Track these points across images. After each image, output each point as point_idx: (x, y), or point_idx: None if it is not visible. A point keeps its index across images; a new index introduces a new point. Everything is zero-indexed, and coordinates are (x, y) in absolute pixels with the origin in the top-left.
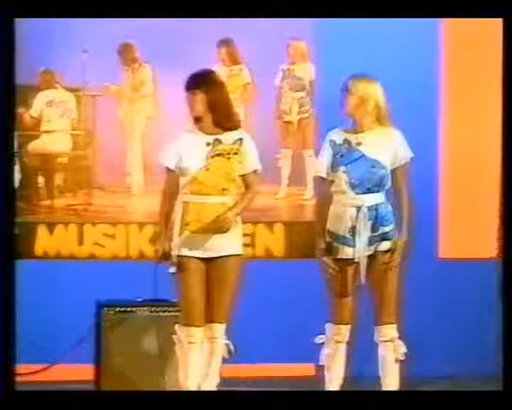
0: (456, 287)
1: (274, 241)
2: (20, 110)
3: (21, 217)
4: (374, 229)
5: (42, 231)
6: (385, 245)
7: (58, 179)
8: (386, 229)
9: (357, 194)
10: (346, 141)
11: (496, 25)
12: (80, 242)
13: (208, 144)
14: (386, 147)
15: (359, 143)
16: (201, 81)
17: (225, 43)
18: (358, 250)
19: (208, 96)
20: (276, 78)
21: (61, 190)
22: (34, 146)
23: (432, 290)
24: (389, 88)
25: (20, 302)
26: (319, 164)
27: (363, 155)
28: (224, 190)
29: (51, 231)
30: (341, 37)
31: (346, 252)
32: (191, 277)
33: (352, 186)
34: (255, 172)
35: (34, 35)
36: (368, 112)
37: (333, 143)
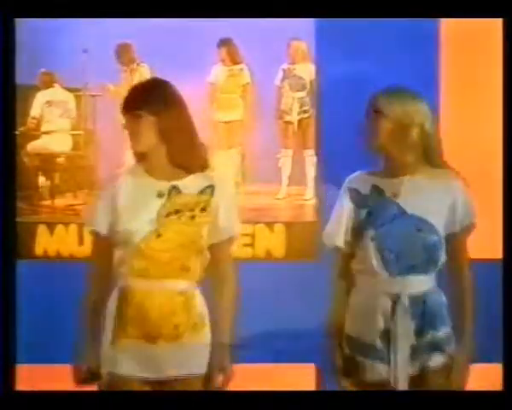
0: None
1: (274, 241)
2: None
3: (21, 217)
4: (419, 333)
5: (42, 231)
6: (437, 360)
7: (58, 179)
8: (440, 334)
9: (394, 275)
10: (376, 190)
11: (496, 25)
12: (80, 242)
13: (160, 195)
14: (440, 200)
15: (396, 194)
16: (149, 98)
17: (225, 43)
18: (395, 369)
19: (160, 119)
20: (277, 78)
21: (61, 190)
22: (34, 146)
23: None
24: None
25: (20, 302)
26: (333, 226)
27: (404, 213)
28: (183, 269)
29: (51, 231)
30: (341, 37)
31: (377, 371)
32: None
33: (386, 262)
34: (231, 240)
35: (34, 35)
36: (411, 144)
37: (355, 194)
